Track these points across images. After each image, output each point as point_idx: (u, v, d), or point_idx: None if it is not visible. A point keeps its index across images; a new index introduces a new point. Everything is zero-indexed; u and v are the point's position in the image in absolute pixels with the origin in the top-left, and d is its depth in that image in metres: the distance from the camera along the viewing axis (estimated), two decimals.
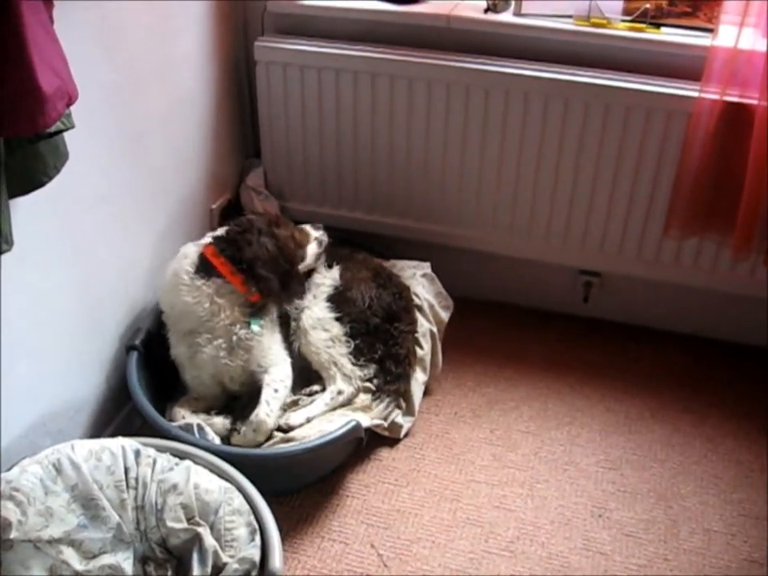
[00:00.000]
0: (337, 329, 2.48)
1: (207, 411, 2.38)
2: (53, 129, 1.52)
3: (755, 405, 2.71)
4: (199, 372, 2.37)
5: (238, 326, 2.32)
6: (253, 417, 2.26)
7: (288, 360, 2.42)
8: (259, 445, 2.26)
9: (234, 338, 2.31)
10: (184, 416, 2.32)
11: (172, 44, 2.48)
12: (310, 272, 2.60)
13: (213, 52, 2.73)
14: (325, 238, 2.63)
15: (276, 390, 2.32)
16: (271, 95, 2.83)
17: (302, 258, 2.53)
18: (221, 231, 2.44)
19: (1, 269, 1.78)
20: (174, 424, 2.25)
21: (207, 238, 2.42)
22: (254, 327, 2.33)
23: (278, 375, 2.35)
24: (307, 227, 2.62)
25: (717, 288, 2.76)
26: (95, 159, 2.13)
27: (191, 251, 2.38)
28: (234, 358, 2.33)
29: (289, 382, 2.38)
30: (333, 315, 2.50)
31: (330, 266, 2.64)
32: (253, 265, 2.32)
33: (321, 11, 2.73)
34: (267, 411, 2.27)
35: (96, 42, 2.06)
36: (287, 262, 2.41)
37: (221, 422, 2.33)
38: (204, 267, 2.33)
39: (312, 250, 2.57)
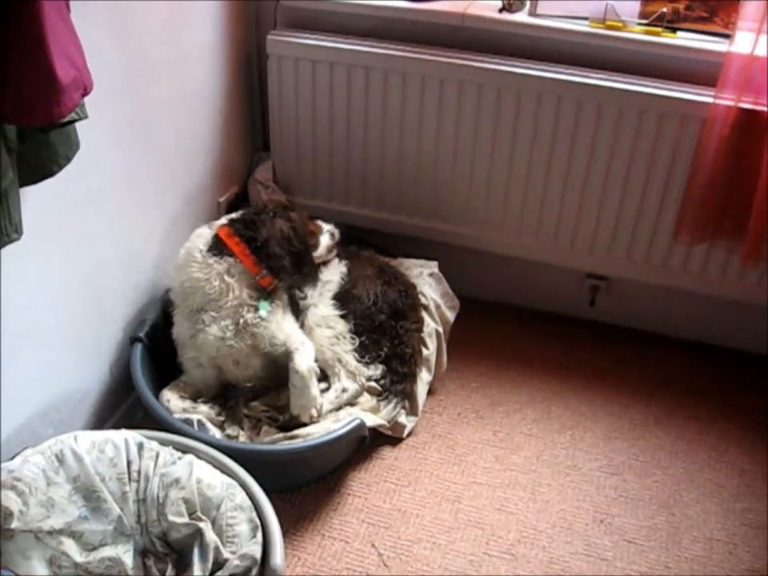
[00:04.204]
0: (341, 326, 2.47)
1: (194, 399, 2.37)
2: (66, 118, 1.51)
3: (760, 414, 2.70)
4: (198, 353, 2.36)
5: (245, 309, 2.32)
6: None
7: (309, 341, 2.40)
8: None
9: (241, 320, 2.31)
10: (169, 399, 2.31)
11: (184, 36, 2.46)
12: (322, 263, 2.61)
13: (224, 45, 2.72)
14: (336, 232, 2.63)
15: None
16: (282, 89, 2.81)
17: (315, 246, 2.53)
18: (236, 214, 2.46)
19: (9, 257, 1.77)
20: (176, 416, 2.24)
21: (222, 220, 2.43)
22: (262, 311, 2.33)
23: (302, 361, 2.32)
24: (318, 221, 2.63)
25: (724, 295, 2.75)
26: (104, 149, 2.12)
27: (206, 232, 2.40)
28: (239, 340, 2.32)
29: (313, 363, 2.36)
30: (338, 312, 2.49)
31: (339, 260, 2.64)
32: (266, 244, 2.33)
33: (334, 6, 2.72)
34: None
35: (108, 31, 2.05)
36: (300, 244, 2.42)
37: (206, 411, 2.32)
38: (217, 246, 2.34)
39: (324, 240, 2.57)
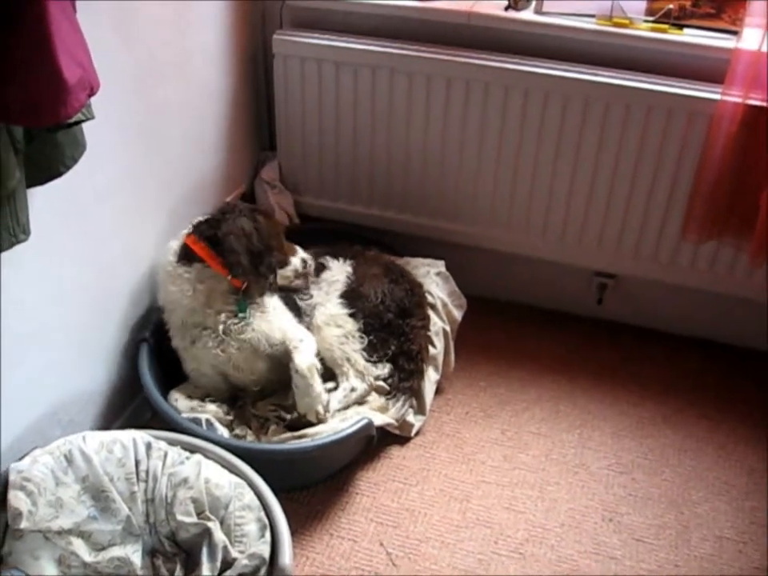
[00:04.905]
0: (350, 325, 2.47)
1: (203, 399, 2.36)
2: (73, 119, 1.51)
3: None
4: (198, 364, 2.35)
5: (224, 315, 2.29)
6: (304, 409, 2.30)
7: (310, 337, 2.38)
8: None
9: (221, 327, 2.29)
10: (177, 398, 2.31)
11: (190, 35, 2.46)
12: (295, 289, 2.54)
13: (230, 44, 2.72)
14: (311, 263, 2.53)
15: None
16: (288, 89, 2.81)
17: (284, 263, 2.44)
18: (203, 216, 2.39)
19: (17, 258, 1.77)
20: (184, 415, 2.24)
21: (189, 228, 2.37)
22: (241, 314, 2.30)
23: (301, 360, 2.29)
24: (297, 246, 2.53)
25: (733, 293, 2.74)
26: (110, 149, 2.12)
27: (174, 243, 2.35)
28: (225, 347, 2.30)
29: (315, 359, 2.33)
30: (346, 311, 2.49)
31: (344, 259, 2.64)
32: (224, 239, 2.26)
33: (340, 5, 2.72)
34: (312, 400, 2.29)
35: (114, 32, 2.05)
36: (261, 243, 2.32)
37: (214, 410, 2.32)
38: (185, 255, 2.29)
39: (296, 263, 2.47)
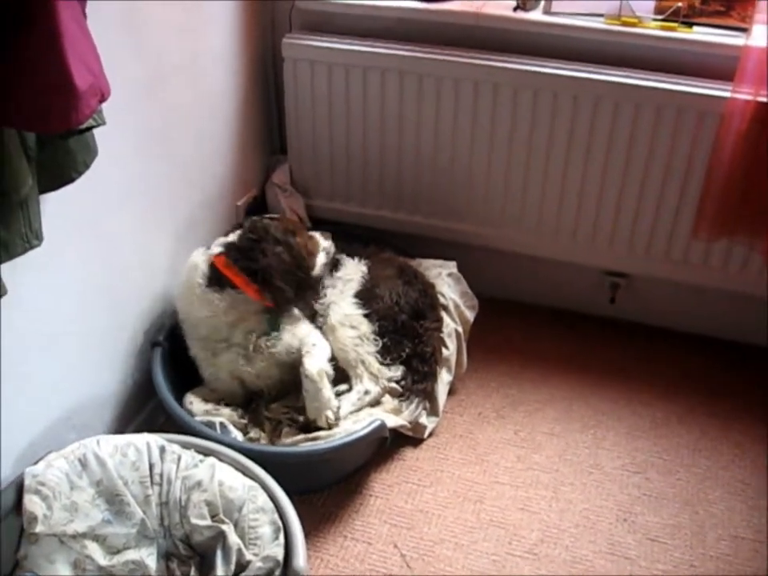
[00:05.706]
0: (365, 326, 2.46)
1: (218, 402, 2.37)
2: (84, 125, 1.52)
3: None
4: (217, 370, 2.37)
5: (255, 335, 2.31)
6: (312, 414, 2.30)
7: (323, 342, 2.39)
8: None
9: (251, 346, 2.31)
10: (192, 402, 2.32)
11: (200, 40, 2.47)
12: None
13: (240, 48, 2.73)
14: (332, 249, 2.56)
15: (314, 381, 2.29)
16: (298, 92, 2.82)
17: (313, 267, 2.46)
18: (232, 238, 2.37)
19: (30, 263, 1.78)
20: (197, 418, 2.25)
21: (217, 247, 2.35)
22: (274, 333, 2.34)
23: (311, 364, 2.29)
24: (317, 235, 2.55)
25: (746, 292, 2.72)
26: (122, 154, 2.13)
27: (201, 261, 2.33)
28: (253, 363, 2.32)
29: (327, 364, 2.34)
30: (361, 312, 2.48)
31: (359, 259, 2.65)
32: (268, 276, 2.27)
33: (349, 8, 2.72)
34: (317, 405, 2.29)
35: (124, 37, 2.06)
36: (302, 272, 2.36)
37: (228, 413, 2.32)
38: (216, 279, 2.28)
39: (321, 259, 2.50)
